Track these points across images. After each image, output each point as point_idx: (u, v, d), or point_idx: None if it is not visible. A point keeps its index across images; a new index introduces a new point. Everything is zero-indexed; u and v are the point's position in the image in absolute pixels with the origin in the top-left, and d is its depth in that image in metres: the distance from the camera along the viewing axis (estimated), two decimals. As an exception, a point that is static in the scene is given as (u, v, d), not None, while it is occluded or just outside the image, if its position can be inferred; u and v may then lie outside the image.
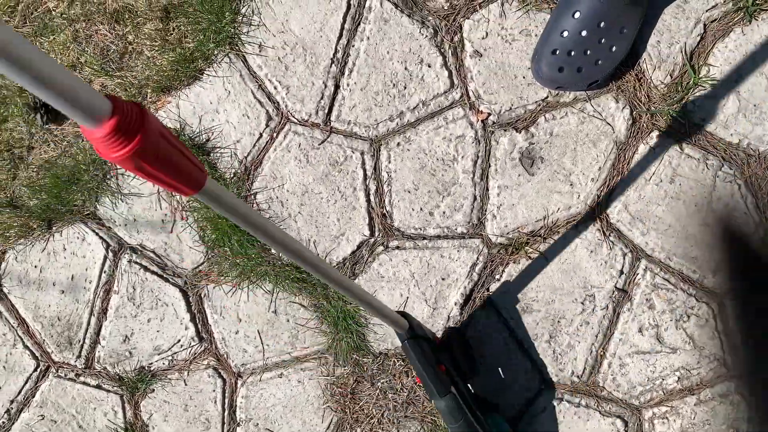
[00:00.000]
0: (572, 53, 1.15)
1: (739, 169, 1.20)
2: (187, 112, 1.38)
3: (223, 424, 1.38)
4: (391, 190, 1.32)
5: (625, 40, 1.16)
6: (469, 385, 1.21)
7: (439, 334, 1.30)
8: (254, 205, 1.35)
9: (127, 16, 1.37)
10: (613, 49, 1.16)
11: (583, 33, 1.13)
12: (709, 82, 1.20)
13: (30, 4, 1.40)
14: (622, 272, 1.24)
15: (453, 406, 1.06)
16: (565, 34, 1.15)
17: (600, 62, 1.16)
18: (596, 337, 1.25)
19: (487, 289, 1.29)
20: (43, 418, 1.45)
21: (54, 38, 1.39)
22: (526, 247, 1.27)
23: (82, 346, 1.43)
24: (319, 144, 1.33)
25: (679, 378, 1.23)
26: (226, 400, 1.38)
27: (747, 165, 1.20)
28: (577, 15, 1.13)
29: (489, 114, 1.28)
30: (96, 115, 0.42)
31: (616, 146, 1.24)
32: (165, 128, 0.48)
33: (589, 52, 1.15)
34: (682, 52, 1.21)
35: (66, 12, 1.36)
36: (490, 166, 1.29)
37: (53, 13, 1.38)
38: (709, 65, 1.20)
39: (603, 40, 1.14)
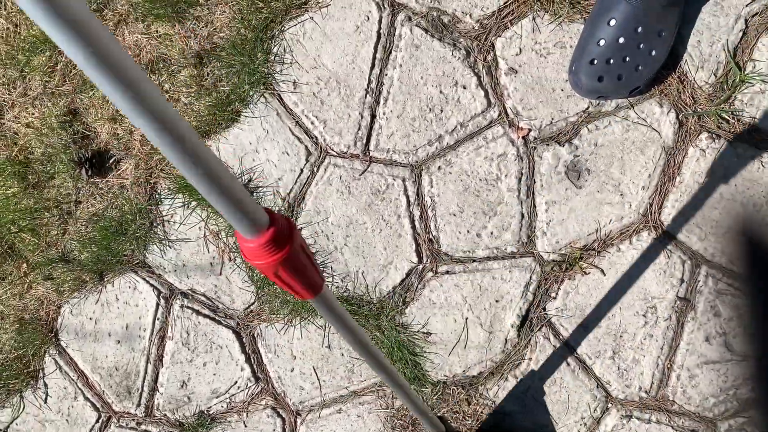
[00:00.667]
0: (611, 61, 1.19)
1: (797, 165, 1.21)
2: (227, 154, 1.45)
3: (286, 463, 1.43)
4: (436, 214, 1.36)
5: (664, 43, 1.19)
6: None
7: (497, 356, 1.33)
8: (300, 241, 1.40)
9: (161, 65, 1.45)
10: (653, 53, 1.19)
11: (621, 40, 1.17)
12: (757, 78, 1.21)
13: (68, 63, 1.50)
14: (682, 280, 1.26)
15: None
16: (602, 42, 1.18)
17: (640, 68, 1.19)
18: (661, 349, 1.26)
19: (544, 309, 1.31)
20: (107, 469, 1.52)
21: (93, 93, 1.49)
22: (581, 262, 1.30)
23: (141, 395, 1.50)
24: (360, 174, 1.39)
25: (753, 387, 1.23)
26: (287, 439, 1.43)
27: (805, 159, 1.21)
28: (612, 22, 1.17)
29: (530, 130, 1.32)
30: (257, 226, 0.50)
31: (664, 152, 1.26)
32: (303, 240, 0.56)
33: (628, 58, 1.18)
34: (724, 49, 1.23)
35: (104, 68, 1.46)
36: (535, 182, 1.32)
37: (92, 70, 1.48)
38: (755, 60, 1.22)
39: (642, 46, 1.17)
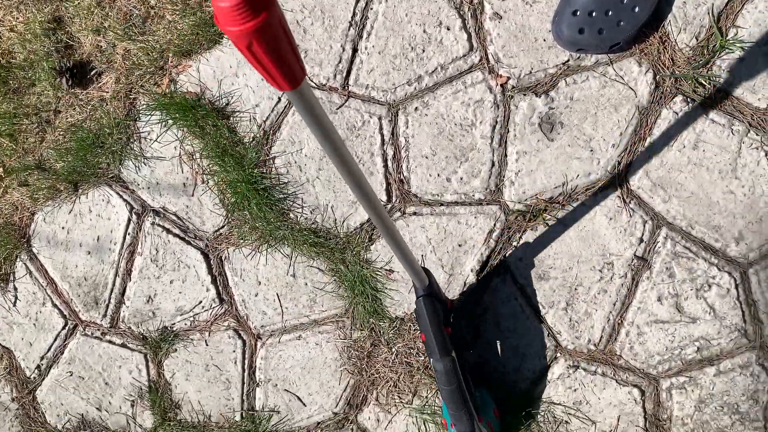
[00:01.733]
0: (593, 14, 1.27)
1: (767, 135, 1.31)
2: (207, 76, 1.55)
3: (243, 384, 1.58)
4: (409, 155, 1.46)
5: (648, 1, 1.27)
6: (466, 355, 1.37)
7: (455, 299, 1.46)
8: (273, 169, 1.52)
9: (148, -20, 1.54)
10: (636, 9, 1.27)
11: None
12: (737, 45, 1.29)
13: (56, -31, 1.58)
14: (642, 240, 1.37)
15: (450, 370, 1.21)
16: None
17: (622, 23, 1.27)
18: (614, 305, 1.39)
19: (504, 256, 1.43)
20: (71, 375, 1.67)
21: (78, 3, 1.58)
22: (544, 214, 1.41)
23: (107, 306, 1.64)
24: (337, 108, 1.49)
25: (698, 348, 1.36)
26: (246, 361, 1.58)
27: (775, 131, 1.30)
28: None
29: (508, 78, 1.41)
30: None
31: (638, 111, 1.36)
32: (283, 17, 0.51)
33: (610, 12, 1.27)
34: (709, 13, 1.31)
35: (90, -23, 1.55)
36: (509, 131, 1.42)
37: (78, -22, 1.56)
38: (738, 27, 1.30)
39: (625, 1, 1.25)
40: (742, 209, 1.30)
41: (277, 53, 0.53)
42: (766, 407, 1.30)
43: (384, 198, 1.45)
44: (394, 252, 1.05)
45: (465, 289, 1.42)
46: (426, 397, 1.44)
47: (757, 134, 1.29)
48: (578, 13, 1.25)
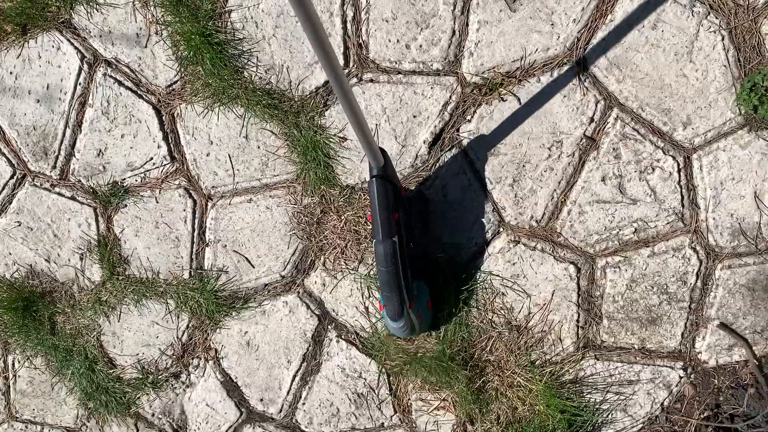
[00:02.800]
0: None
1: (725, 20, 1.38)
2: None
3: (192, 243, 1.69)
4: (369, 18, 1.52)
5: None
6: (411, 244, 1.46)
7: (405, 169, 1.55)
8: (228, 24, 1.57)
9: None
10: None
11: None
12: None
13: None
14: (592, 120, 1.47)
15: (389, 252, 1.29)
16: None
17: None
18: (559, 183, 1.50)
19: (457, 130, 1.53)
20: (19, 225, 1.78)
21: None
22: (501, 89, 1.49)
23: (57, 157, 1.72)
24: (298, -37, 1.52)
25: (636, 229, 1.48)
26: (196, 221, 1.69)
27: (734, 15, 1.38)
28: None
29: (476, -58, 1.45)
30: None
31: (602, -14, 1.42)
32: None
33: None
34: None
35: None
36: (471, -1, 1.48)
37: None
38: None
39: None
40: (693, 93, 1.39)
41: None
42: (693, 288, 1.44)
43: (341, 62, 1.51)
44: (353, 126, 1.09)
45: (416, 161, 1.52)
46: (371, 264, 1.57)
47: (716, 17, 1.36)
48: None
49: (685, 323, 1.43)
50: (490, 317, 1.51)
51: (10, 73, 1.66)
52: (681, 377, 1.45)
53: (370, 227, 1.41)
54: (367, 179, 1.36)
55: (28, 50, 1.65)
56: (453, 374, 1.49)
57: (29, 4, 1.58)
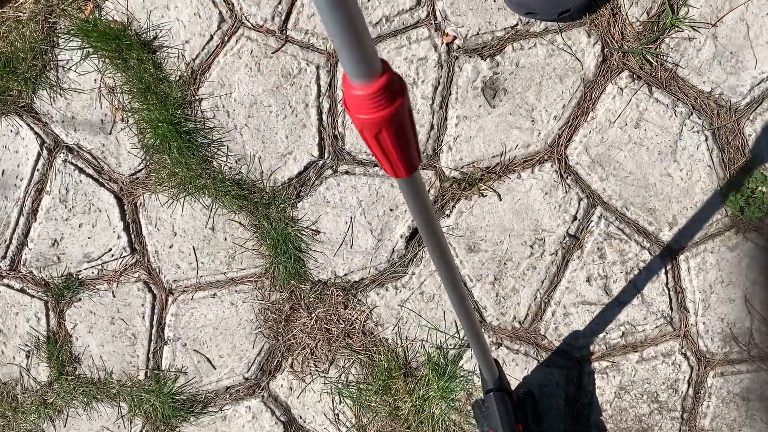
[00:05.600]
0: None
1: (708, 120, 1.33)
2: (135, 5, 1.50)
3: (150, 341, 1.54)
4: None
5: None
6: None
7: (381, 264, 1.44)
8: (199, 112, 1.48)
9: None
10: None
11: None
12: (687, 24, 1.32)
13: None
14: (575, 218, 1.38)
15: None
16: None
17: None
18: (542, 283, 1.40)
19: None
20: (-38, 319, 1.61)
21: None
22: (480, 184, 1.41)
23: (8, 247, 1.58)
24: (273, 53, 1.46)
25: (623, 333, 1.38)
26: (155, 317, 1.54)
27: (717, 116, 1.33)
28: None
29: (455, 37, 1.41)
30: (372, 70, 0.47)
31: (583, 84, 1.37)
32: (409, 104, 0.52)
33: None
34: (662, -12, 1.33)
35: None
36: (451, 93, 1.42)
37: None
38: (690, 6, 1.32)
39: None
40: (678, 193, 1.33)
41: (403, 140, 0.53)
42: (684, 397, 1.33)
43: (316, 153, 1.43)
44: (471, 337, 1.01)
45: (393, 255, 1.41)
46: (343, 367, 1.43)
47: (699, 118, 1.31)
48: None
49: (679, 436, 1.31)
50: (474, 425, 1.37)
51: (-36, 157, 1.54)
52: (677, 497, 1.32)
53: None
54: (481, 395, 1.24)
55: (-16, 134, 1.53)
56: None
57: (-11, 88, 1.48)
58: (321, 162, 1.42)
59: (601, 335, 1.36)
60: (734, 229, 1.30)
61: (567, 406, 1.36)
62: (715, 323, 1.31)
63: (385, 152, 0.55)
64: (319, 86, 1.41)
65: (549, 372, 1.37)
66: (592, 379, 1.36)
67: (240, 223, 1.45)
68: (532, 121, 1.36)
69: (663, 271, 1.33)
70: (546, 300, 1.37)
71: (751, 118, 1.28)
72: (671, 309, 1.33)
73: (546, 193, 1.36)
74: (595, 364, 1.36)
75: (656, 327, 1.34)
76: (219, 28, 1.44)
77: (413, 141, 0.56)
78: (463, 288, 0.90)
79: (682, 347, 1.33)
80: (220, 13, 1.44)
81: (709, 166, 1.30)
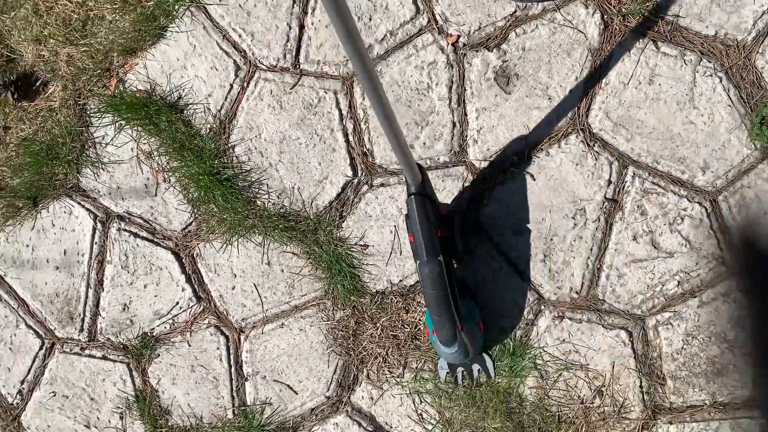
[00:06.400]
0: None
1: (719, 62, 1.36)
2: (155, 71, 1.58)
3: (231, 380, 1.61)
4: (369, 127, 1.50)
5: None
6: (455, 263, 1.32)
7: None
8: (234, 158, 1.55)
9: (83, -18, 1.57)
10: None
11: None
12: (678, -25, 1.35)
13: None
14: (610, 182, 1.42)
15: (436, 273, 1.18)
16: None
17: None
18: (591, 250, 1.44)
19: (477, 217, 1.48)
20: (55, 395, 1.70)
21: (15, 14, 1.60)
22: (511, 168, 1.46)
23: (83, 320, 1.66)
24: (291, 88, 1.52)
25: (679, 282, 1.41)
26: (231, 357, 1.61)
27: (726, 56, 1.36)
28: None
29: (459, 36, 1.46)
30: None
31: (590, 54, 1.41)
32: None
33: None
34: (646, -53, 1.36)
35: (23, -15, 1.57)
36: (465, 89, 1.47)
37: (10, -13, 1.59)
38: (677, -43, 1.35)
39: None
40: (704, 138, 1.36)
41: None
42: (753, 331, 1.36)
43: (350, 173, 1.49)
44: (391, 141, 1.01)
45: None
46: (416, 368, 1.48)
47: (709, 62, 1.34)
48: None
49: (753, 369, 1.33)
50: (553, 402, 1.41)
51: (27, 246, 1.63)
52: (763, 427, 1.34)
53: (411, 248, 1.29)
54: (405, 198, 1.24)
55: (41, 221, 1.62)
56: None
57: (38, 177, 1.56)
58: (356, 180, 1.48)
59: (658, 288, 1.39)
60: (766, 160, 1.33)
61: (637, 363, 1.39)
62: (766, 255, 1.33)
63: None
64: (340, 110, 1.47)
65: (614, 335, 1.40)
66: (658, 332, 1.39)
67: (293, 253, 1.51)
68: (549, 98, 1.40)
69: (705, 214, 1.36)
70: (598, 266, 1.41)
71: (760, 51, 1.31)
72: (721, 249, 1.36)
73: (577, 164, 1.40)
74: (658, 317, 1.40)
75: (709, 270, 1.37)
76: (236, 76, 1.51)
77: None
78: (382, 90, 0.91)
79: (739, 284, 1.36)
80: (235, 62, 1.51)
81: (729, 105, 1.33)
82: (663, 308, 1.39)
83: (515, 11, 1.39)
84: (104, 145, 1.57)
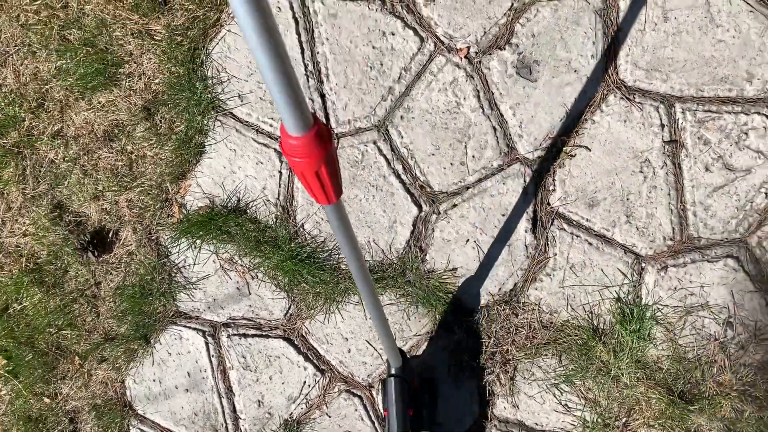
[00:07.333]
0: None
1: (724, -25, 1.35)
2: (208, 185, 1.65)
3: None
4: (417, 161, 1.54)
5: None
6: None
7: (524, 263, 1.52)
8: (307, 235, 1.61)
9: (116, 131, 1.66)
10: None
11: None
12: None
13: (35, 164, 1.72)
14: (662, 125, 1.42)
15: None
16: None
17: None
18: (669, 195, 1.44)
19: (548, 204, 1.50)
20: (227, 503, 1.78)
21: (68, 181, 1.70)
22: (564, 148, 1.47)
23: (227, 428, 1.75)
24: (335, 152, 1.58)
25: (766, 193, 1.40)
26: (370, 413, 1.66)
27: (729, -33, 1.35)
28: None
29: (468, 47, 1.49)
30: (305, 121, 0.63)
31: (598, 15, 1.41)
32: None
33: None
34: None
35: (66, 154, 1.67)
36: (493, 93, 1.49)
37: (55, 162, 1.69)
38: None
39: None
40: (738, 51, 1.35)
41: (334, 173, 0.70)
42: None
43: (415, 210, 1.52)
44: (378, 328, 1.19)
45: (527, 251, 1.48)
46: (545, 365, 1.50)
47: (715, -22, 1.33)
48: None
49: None
50: (688, 349, 1.41)
51: (154, 380, 1.72)
52: None
53: (385, 423, 1.45)
54: (385, 378, 1.42)
55: (158, 354, 1.71)
56: (686, 417, 1.38)
57: (141, 317, 1.65)
58: (422, 213, 1.51)
59: (748, 207, 1.38)
60: (808, 49, 1.31)
61: (754, 283, 1.38)
62: (844, 137, 1.31)
63: (323, 185, 0.70)
64: (384, 156, 1.52)
65: (722, 265, 1.40)
66: (764, 247, 1.38)
67: (390, 301, 1.56)
68: (575, 71, 1.41)
69: (767, 120, 1.34)
70: (681, 208, 1.41)
71: (763, -48, 1.29)
72: (796, 148, 1.34)
73: (625, 121, 1.40)
74: (758, 233, 1.39)
75: (792, 170, 1.34)
76: (281, 161, 1.57)
77: (338, 174, 0.73)
78: (370, 280, 1.04)
79: (827, 173, 1.33)
80: (275, 149, 1.57)
81: (751, 11, 1.32)
82: (760, 224, 1.38)
83: (512, 4, 1.41)
84: (189, 267, 1.65)
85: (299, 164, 0.66)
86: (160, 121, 1.59)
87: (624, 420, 1.49)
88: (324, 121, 1.54)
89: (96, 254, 1.67)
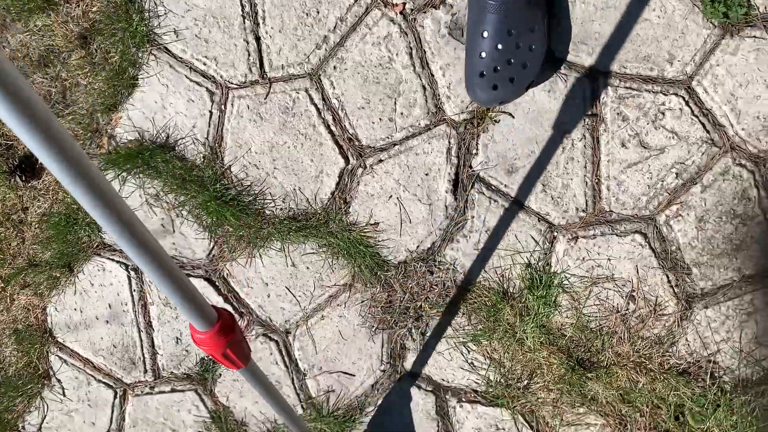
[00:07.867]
0: (498, 69, 1.35)
1: (656, -46, 1.37)
2: (139, 119, 1.66)
3: (292, 380, 1.70)
4: (347, 113, 1.56)
5: (539, 36, 1.34)
6: None
7: (442, 223, 1.55)
8: (233, 177, 1.63)
9: (51, 56, 1.64)
10: (533, 47, 1.35)
11: (499, 47, 1.33)
12: None
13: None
14: (585, 98, 1.45)
15: None
16: (483, 54, 1.34)
17: (527, 65, 1.36)
18: (585, 167, 1.48)
19: (470, 167, 1.53)
20: (140, 435, 1.81)
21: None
22: (489, 113, 1.50)
23: (144, 362, 1.77)
24: (265, 98, 1.58)
25: (677, 173, 1.44)
26: (285, 358, 1.70)
27: (661, -54, 1.37)
28: (485, 34, 1.32)
29: (404, 3, 1.49)
30: (211, 320, 0.77)
31: (531, -17, 1.43)
32: (239, 324, 0.85)
33: (512, 60, 1.35)
34: None
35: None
36: (425, 51, 1.51)
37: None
38: None
39: (520, 45, 1.34)
40: (662, 31, 1.38)
41: (239, 351, 0.85)
42: (759, 200, 1.38)
43: (342, 162, 1.54)
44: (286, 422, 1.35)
45: (447, 211, 1.51)
46: (454, 322, 1.55)
47: (646, -43, 1.35)
48: (484, 73, 1.33)
49: (770, 235, 1.36)
50: (591, 318, 1.46)
51: (75, 309, 1.74)
52: (794, 287, 1.37)
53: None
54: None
55: (80, 284, 1.72)
56: (584, 384, 1.44)
57: (65, 245, 1.66)
58: (349, 166, 1.54)
59: (658, 186, 1.42)
60: (727, 35, 1.34)
61: (659, 260, 1.43)
62: (753, 124, 1.36)
63: (230, 360, 0.85)
64: (315, 105, 1.53)
65: (630, 240, 1.44)
66: (671, 226, 1.43)
67: (312, 250, 1.59)
68: (505, 37, 1.42)
69: (683, 103, 1.38)
70: (596, 181, 1.45)
71: (689, -66, 1.32)
72: (707, 132, 1.38)
73: (549, 91, 1.43)
74: (666, 212, 1.43)
75: (702, 153, 1.39)
76: (212, 101, 1.58)
77: (245, 346, 0.88)
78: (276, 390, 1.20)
79: (735, 159, 1.38)
80: (207, 89, 1.58)
81: (677, -8, 1.34)
82: (669, 203, 1.42)
83: (450, -36, 1.42)
84: (114, 200, 1.65)
85: (208, 351, 0.80)
86: (96, 50, 1.59)
87: (525, 382, 1.55)
88: (257, 65, 1.55)
89: (24, 179, 1.66)
